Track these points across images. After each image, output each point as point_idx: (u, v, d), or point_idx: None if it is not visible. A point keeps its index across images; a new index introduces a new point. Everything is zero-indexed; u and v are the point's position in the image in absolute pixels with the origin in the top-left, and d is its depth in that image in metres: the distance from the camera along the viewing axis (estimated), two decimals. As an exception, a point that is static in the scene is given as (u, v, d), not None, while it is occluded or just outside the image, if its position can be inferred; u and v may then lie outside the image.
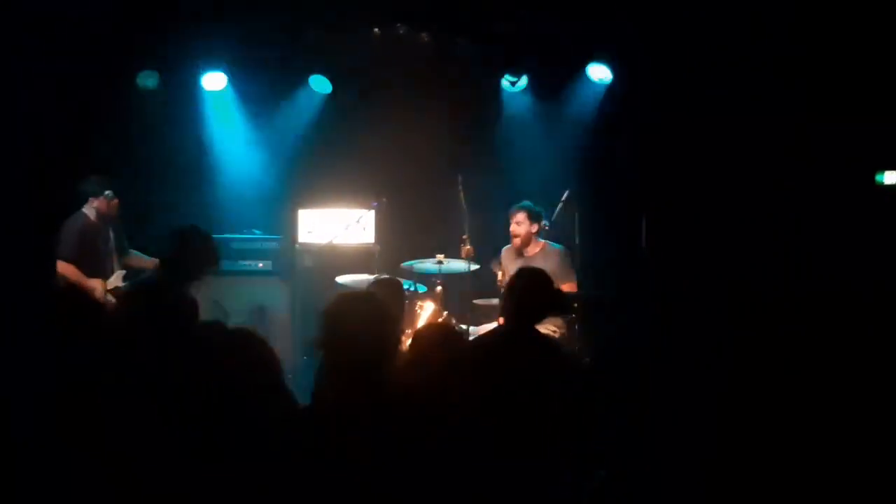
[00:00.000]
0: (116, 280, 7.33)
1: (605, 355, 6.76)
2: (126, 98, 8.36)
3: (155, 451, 3.05)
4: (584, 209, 7.43)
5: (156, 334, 3.77)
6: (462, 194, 7.36)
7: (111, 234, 7.47)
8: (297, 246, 8.68)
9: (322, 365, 4.15)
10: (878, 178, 7.76)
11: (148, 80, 8.45)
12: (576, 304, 6.96)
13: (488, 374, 4.32)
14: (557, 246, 7.45)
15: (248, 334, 3.27)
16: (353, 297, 3.78)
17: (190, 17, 7.76)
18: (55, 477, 3.04)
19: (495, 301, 7.21)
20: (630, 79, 8.42)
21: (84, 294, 5.44)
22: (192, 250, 5.29)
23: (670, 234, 7.81)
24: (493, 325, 6.98)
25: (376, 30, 8.51)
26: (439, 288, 7.36)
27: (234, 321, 7.29)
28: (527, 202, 7.47)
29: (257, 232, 8.65)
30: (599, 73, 8.63)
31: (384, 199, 8.11)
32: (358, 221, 8.19)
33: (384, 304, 3.74)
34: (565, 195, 7.44)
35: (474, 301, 7.47)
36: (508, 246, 7.59)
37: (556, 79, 8.87)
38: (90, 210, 7.32)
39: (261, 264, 8.54)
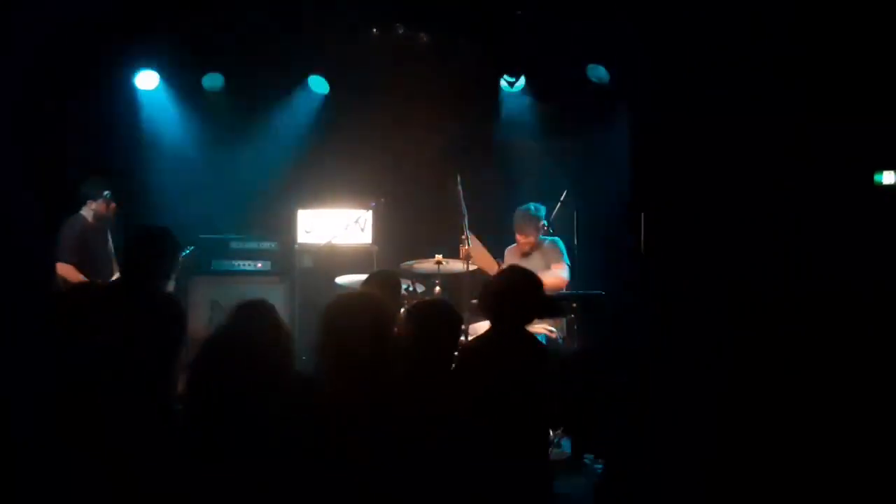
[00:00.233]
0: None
1: (603, 355, 6.75)
2: (125, 98, 8.36)
3: (154, 450, 3.04)
4: (583, 209, 7.43)
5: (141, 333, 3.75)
6: (461, 195, 7.35)
7: (110, 237, 7.48)
8: (295, 246, 8.68)
9: (320, 364, 4.13)
10: (876, 178, 7.76)
11: (147, 80, 8.44)
12: (574, 304, 6.96)
13: (481, 376, 4.32)
14: (550, 238, 7.47)
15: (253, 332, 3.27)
16: (351, 297, 3.78)
17: (189, 18, 7.75)
18: (55, 477, 3.04)
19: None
20: (628, 79, 8.42)
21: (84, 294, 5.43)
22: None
23: (669, 234, 7.80)
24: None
25: (375, 30, 8.51)
26: (438, 288, 7.36)
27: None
28: (527, 207, 7.45)
29: (256, 232, 8.65)
30: (598, 73, 8.63)
31: (382, 200, 8.11)
32: (356, 222, 8.19)
33: (383, 304, 3.74)
34: (564, 195, 7.44)
35: (473, 301, 7.46)
36: (512, 246, 7.61)
37: (555, 79, 8.87)
38: (88, 212, 7.33)
39: (259, 265, 8.54)
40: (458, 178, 7.37)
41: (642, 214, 7.76)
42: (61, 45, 7.53)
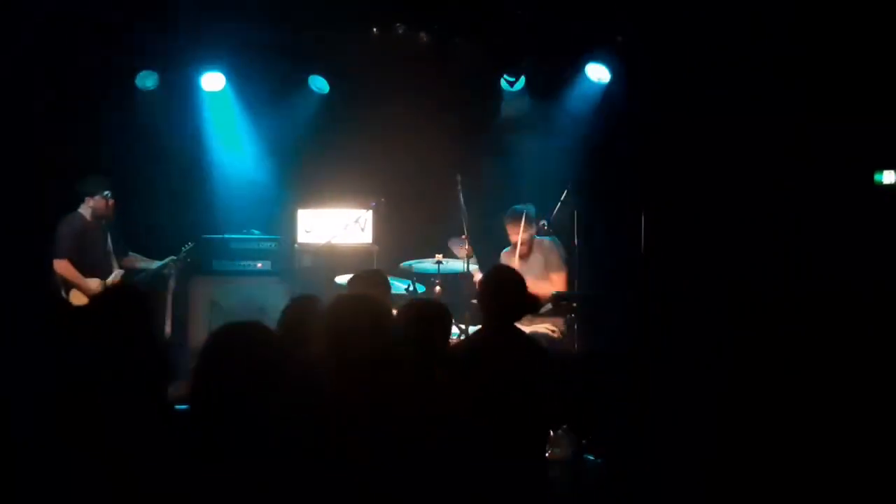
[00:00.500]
0: (115, 280, 7.34)
1: (603, 355, 6.75)
2: (125, 98, 8.35)
3: (154, 450, 3.04)
4: (583, 208, 7.42)
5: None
6: (461, 194, 7.35)
7: (108, 234, 7.48)
8: (295, 246, 8.68)
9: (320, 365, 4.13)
10: (876, 177, 7.76)
11: (147, 80, 8.44)
12: (574, 303, 6.96)
13: (477, 375, 4.33)
14: (546, 238, 7.46)
15: (254, 330, 3.26)
16: (351, 297, 3.78)
17: (189, 17, 7.75)
18: (55, 477, 3.03)
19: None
20: (628, 78, 8.41)
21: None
22: None
23: (669, 234, 7.80)
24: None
25: (375, 30, 8.50)
26: (438, 288, 7.35)
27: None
28: (518, 207, 7.46)
29: (256, 232, 8.65)
30: (597, 72, 8.62)
31: (382, 199, 8.11)
32: (356, 221, 8.19)
33: (383, 304, 3.74)
34: (564, 194, 7.44)
35: (473, 300, 7.46)
36: (506, 250, 7.61)
37: (555, 78, 8.86)
38: (87, 210, 7.33)
39: (259, 264, 8.53)
40: (458, 178, 7.37)
41: (642, 214, 7.75)
42: (61, 45, 7.54)
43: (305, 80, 8.89)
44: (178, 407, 3.43)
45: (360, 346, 3.36)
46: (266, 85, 8.80)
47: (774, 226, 7.62)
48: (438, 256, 7.32)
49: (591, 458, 6.09)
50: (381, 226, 8.53)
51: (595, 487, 5.43)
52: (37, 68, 7.54)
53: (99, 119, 8.10)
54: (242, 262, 8.51)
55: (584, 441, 5.86)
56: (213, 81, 8.58)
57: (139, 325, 3.57)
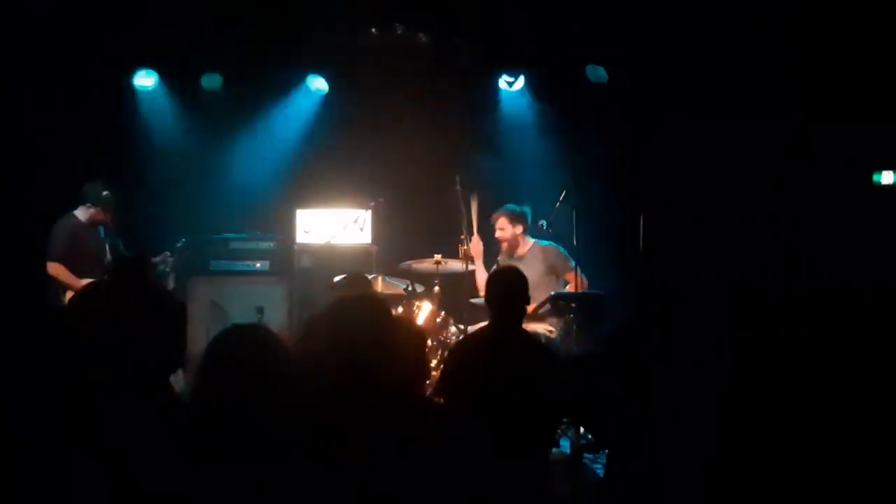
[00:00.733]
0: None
1: (602, 355, 6.74)
2: (123, 98, 8.35)
3: (154, 450, 3.04)
4: (582, 209, 7.42)
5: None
6: (459, 194, 7.36)
7: (103, 236, 7.47)
8: (294, 246, 8.67)
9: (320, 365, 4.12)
10: (875, 177, 7.77)
11: (146, 79, 8.44)
12: (572, 304, 6.96)
13: (480, 374, 4.33)
14: (545, 243, 7.46)
15: (255, 331, 3.25)
16: (352, 298, 3.77)
17: (188, 17, 7.74)
18: (55, 477, 3.03)
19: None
20: (628, 79, 8.42)
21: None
22: None
23: (669, 234, 7.80)
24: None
25: (374, 30, 8.51)
26: (437, 288, 7.36)
27: (231, 322, 7.28)
28: (508, 206, 7.48)
29: (255, 232, 8.64)
30: (597, 73, 8.63)
31: (381, 200, 8.12)
32: (355, 222, 8.19)
33: (383, 304, 3.73)
34: (563, 195, 7.45)
35: (472, 301, 7.46)
36: (502, 255, 7.62)
37: (554, 79, 8.87)
38: (83, 213, 7.33)
39: (258, 265, 8.53)
40: (457, 178, 7.38)
41: (642, 214, 7.75)
42: (59, 44, 7.53)
43: (304, 80, 8.89)
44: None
45: (360, 346, 3.35)
46: (265, 85, 8.80)
47: (774, 226, 7.62)
48: (437, 257, 7.32)
49: (590, 457, 6.10)
50: (381, 226, 8.54)
51: (595, 487, 5.43)
52: (35, 67, 7.53)
53: (97, 119, 8.09)
54: (241, 263, 8.50)
55: (583, 441, 5.87)
56: (212, 81, 8.58)
57: (144, 323, 3.55)
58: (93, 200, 7.32)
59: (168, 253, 7.82)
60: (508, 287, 4.67)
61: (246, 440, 2.95)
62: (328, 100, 8.98)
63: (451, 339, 7.05)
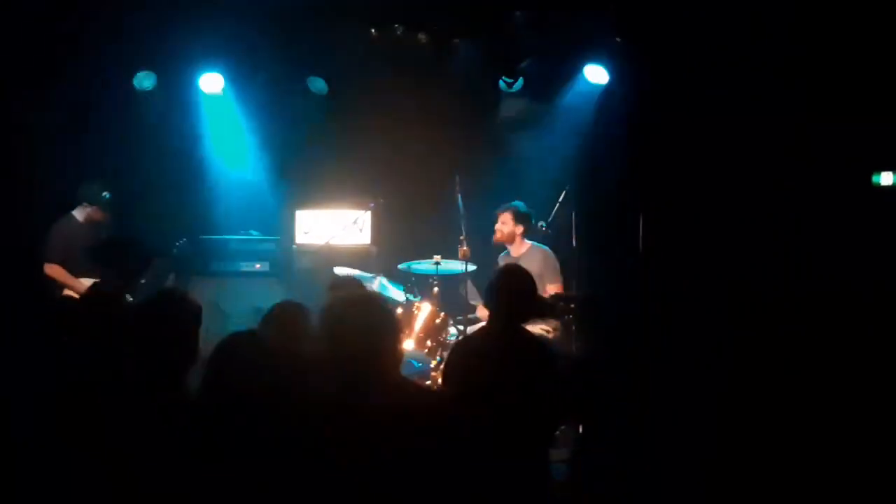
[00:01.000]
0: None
1: (601, 356, 6.74)
2: (123, 99, 8.35)
3: (154, 450, 3.04)
4: (582, 209, 7.43)
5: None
6: (459, 195, 7.36)
7: (103, 236, 7.47)
8: (294, 247, 8.67)
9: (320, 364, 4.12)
10: (875, 178, 7.77)
11: (145, 80, 8.43)
12: (572, 305, 6.95)
13: (478, 374, 4.32)
14: (543, 247, 7.46)
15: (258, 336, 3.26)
16: (352, 298, 3.77)
17: (187, 18, 7.74)
18: (55, 477, 3.03)
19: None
20: (627, 79, 8.41)
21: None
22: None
23: (668, 234, 7.81)
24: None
25: (374, 30, 8.50)
26: (436, 289, 7.35)
27: (231, 322, 7.29)
28: (516, 202, 7.48)
29: (254, 233, 8.64)
30: (596, 74, 8.63)
31: (381, 200, 8.12)
32: (355, 222, 8.19)
33: (384, 304, 3.73)
34: (562, 196, 7.45)
35: (472, 302, 7.46)
36: (504, 253, 7.61)
37: (553, 79, 8.87)
38: (81, 213, 7.33)
39: (258, 265, 8.53)
40: (457, 179, 7.37)
41: (641, 214, 7.76)
42: (59, 45, 7.53)
43: (304, 81, 8.88)
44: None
45: (360, 346, 3.35)
46: (265, 85, 8.79)
47: (774, 226, 7.62)
48: (437, 257, 7.32)
49: (589, 458, 6.08)
50: (380, 227, 8.54)
51: (595, 487, 5.42)
52: (35, 68, 7.53)
53: (97, 120, 8.09)
54: (241, 263, 8.51)
55: (582, 442, 5.86)
56: (211, 82, 8.57)
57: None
58: (90, 200, 7.33)
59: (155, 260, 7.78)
60: (510, 285, 4.66)
61: (246, 440, 2.95)
62: (328, 100, 8.97)
63: (450, 340, 7.05)
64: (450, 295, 7.50)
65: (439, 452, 3.24)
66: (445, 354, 6.88)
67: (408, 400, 3.40)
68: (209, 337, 3.50)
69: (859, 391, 5.94)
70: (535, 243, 7.49)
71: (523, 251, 7.47)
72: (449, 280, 7.53)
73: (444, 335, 7.08)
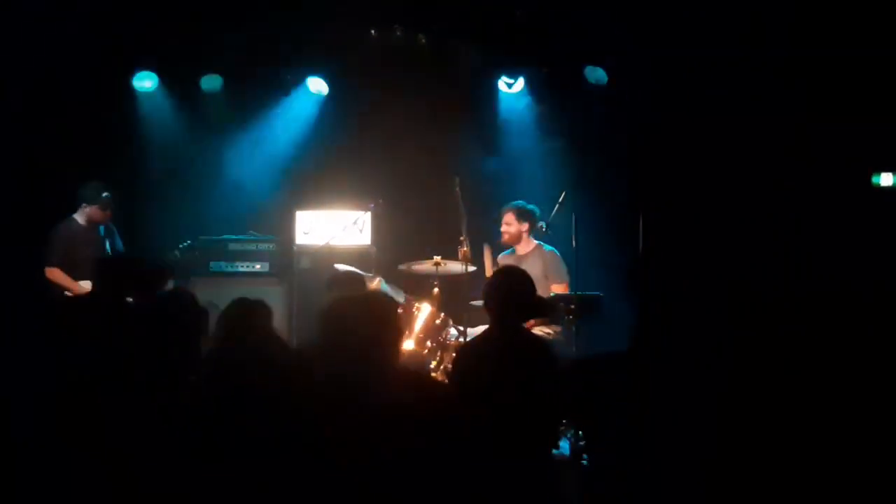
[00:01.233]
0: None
1: (601, 356, 6.74)
2: (123, 99, 8.35)
3: (154, 450, 3.04)
4: (582, 210, 7.42)
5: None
6: (459, 196, 7.35)
7: (104, 238, 7.47)
8: (294, 248, 8.67)
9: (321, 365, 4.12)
10: (874, 179, 7.77)
11: (145, 81, 8.43)
12: (572, 305, 6.95)
13: (484, 374, 4.32)
14: (550, 248, 7.46)
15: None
16: (351, 299, 3.77)
17: (187, 19, 7.74)
18: (55, 477, 3.03)
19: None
20: (627, 79, 8.41)
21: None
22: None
23: (668, 234, 7.80)
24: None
25: (373, 31, 8.50)
26: (436, 290, 7.35)
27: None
28: (517, 202, 7.48)
29: (254, 234, 8.64)
30: (596, 74, 8.63)
31: (381, 201, 8.11)
32: (355, 223, 8.19)
33: (383, 304, 3.73)
34: (562, 196, 7.44)
35: (471, 303, 7.45)
36: (505, 253, 7.61)
37: (553, 80, 8.87)
38: (82, 215, 7.33)
39: (258, 266, 8.53)
40: (457, 180, 7.37)
41: (641, 215, 7.75)
42: (59, 46, 7.53)
43: (304, 82, 8.88)
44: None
45: (361, 346, 3.35)
46: (265, 86, 8.79)
47: (774, 226, 7.62)
48: (436, 258, 7.31)
49: (587, 459, 6.08)
50: (380, 227, 8.53)
51: (595, 488, 5.42)
52: (34, 69, 7.53)
53: (97, 120, 8.10)
54: (240, 264, 8.51)
55: (582, 442, 5.86)
56: (211, 83, 8.57)
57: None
58: (89, 200, 7.33)
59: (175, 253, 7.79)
60: (511, 286, 4.66)
61: (245, 440, 2.95)
62: (327, 101, 8.97)
63: (450, 341, 7.04)
64: (450, 296, 7.50)
65: (441, 452, 3.24)
66: (445, 355, 6.90)
67: (409, 397, 3.40)
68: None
69: (859, 391, 5.94)
70: (542, 243, 7.49)
71: (529, 250, 7.48)
72: (449, 281, 7.53)
73: (444, 336, 7.07)
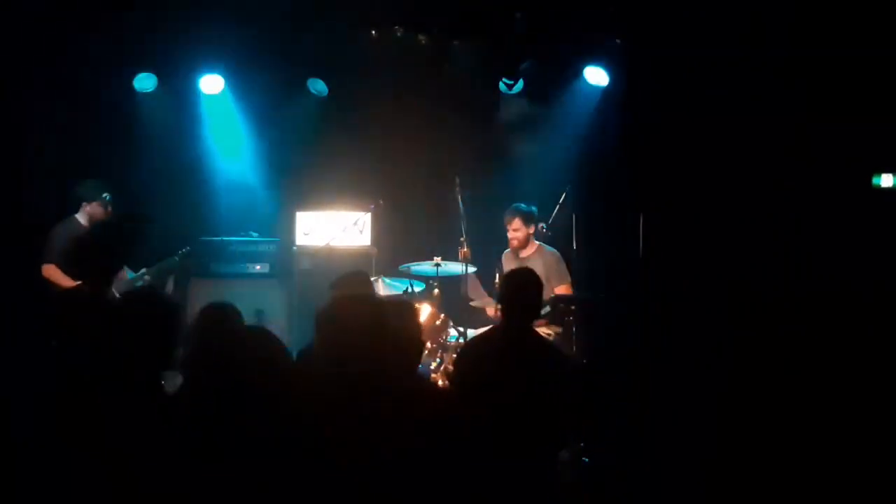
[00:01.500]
0: (117, 285, 7.32)
1: (602, 356, 6.75)
2: (123, 100, 8.34)
3: (154, 450, 3.04)
4: (582, 211, 7.42)
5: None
6: (459, 197, 7.35)
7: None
8: (294, 248, 8.66)
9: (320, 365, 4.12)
10: (875, 180, 7.77)
11: (145, 82, 8.43)
12: (572, 307, 6.95)
13: (483, 374, 4.33)
14: (551, 249, 7.46)
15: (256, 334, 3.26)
16: (351, 299, 3.77)
17: (188, 20, 7.74)
18: (55, 477, 3.02)
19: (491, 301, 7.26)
20: (627, 81, 8.41)
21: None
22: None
23: (668, 235, 7.80)
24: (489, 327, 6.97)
25: (374, 32, 8.50)
26: (436, 290, 7.35)
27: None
28: (518, 205, 7.47)
29: (254, 234, 8.64)
30: (596, 75, 8.62)
31: (381, 202, 8.11)
32: (355, 224, 8.19)
33: (382, 304, 3.73)
34: (562, 197, 7.44)
35: (471, 303, 7.45)
36: (507, 251, 7.61)
37: (553, 81, 8.86)
38: (83, 215, 7.33)
39: (258, 267, 8.52)
40: (457, 180, 7.37)
41: (641, 216, 7.76)
42: (59, 47, 7.53)
43: (304, 83, 8.88)
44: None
45: (361, 346, 3.35)
46: (265, 87, 8.78)
47: (774, 226, 7.62)
48: (437, 259, 7.31)
49: (587, 459, 6.09)
50: (380, 228, 8.53)
51: (595, 488, 5.43)
52: (35, 70, 7.53)
53: (97, 121, 8.10)
54: (241, 265, 8.50)
55: (582, 443, 5.87)
56: (211, 84, 8.57)
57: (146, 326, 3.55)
58: (89, 198, 7.32)
59: (144, 270, 7.73)
60: (520, 287, 4.68)
61: (244, 440, 2.95)
62: (328, 102, 8.96)
63: (450, 342, 7.05)
64: (450, 296, 7.50)
65: (443, 452, 3.25)
66: (445, 356, 6.90)
67: (411, 399, 3.40)
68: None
69: (859, 391, 5.95)
70: (544, 245, 7.49)
71: (533, 251, 7.48)
72: (449, 281, 7.53)
73: (444, 336, 7.07)
